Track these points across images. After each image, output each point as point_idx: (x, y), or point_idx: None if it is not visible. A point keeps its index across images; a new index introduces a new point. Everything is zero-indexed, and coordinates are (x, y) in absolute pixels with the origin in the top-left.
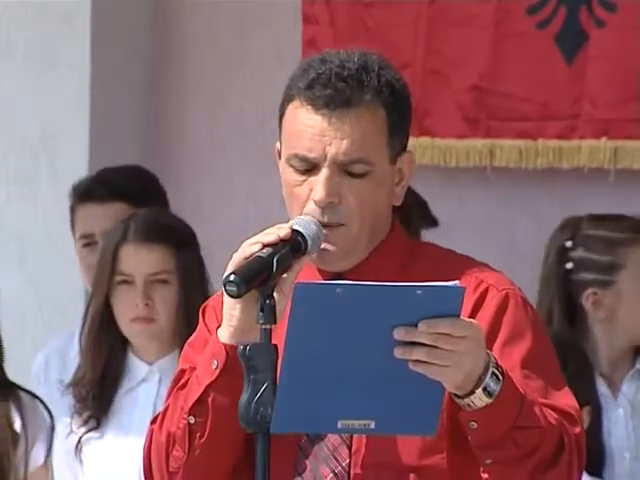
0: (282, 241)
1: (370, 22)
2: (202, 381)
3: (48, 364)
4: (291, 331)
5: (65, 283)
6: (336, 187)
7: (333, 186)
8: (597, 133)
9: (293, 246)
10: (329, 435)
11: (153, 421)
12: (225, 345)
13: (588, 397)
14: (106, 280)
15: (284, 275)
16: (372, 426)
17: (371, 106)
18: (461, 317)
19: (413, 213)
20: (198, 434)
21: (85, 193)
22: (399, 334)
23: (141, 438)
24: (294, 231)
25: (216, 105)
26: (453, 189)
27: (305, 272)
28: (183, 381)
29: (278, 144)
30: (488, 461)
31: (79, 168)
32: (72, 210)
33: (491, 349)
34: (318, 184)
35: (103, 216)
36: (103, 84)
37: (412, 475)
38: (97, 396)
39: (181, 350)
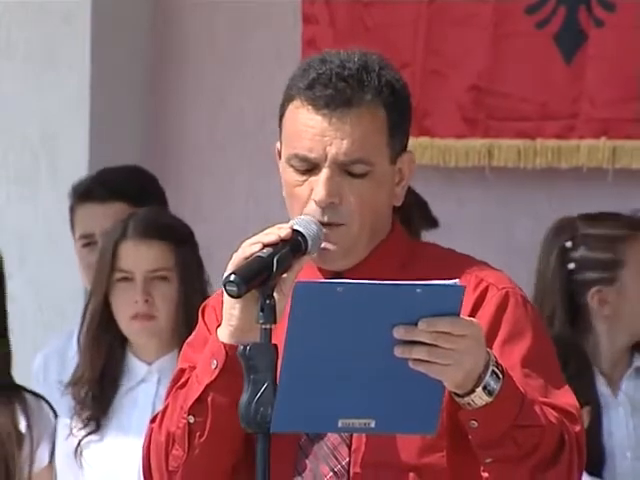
0: (282, 241)
1: (370, 22)
2: (202, 380)
3: (47, 364)
4: (291, 330)
5: (65, 283)
6: (337, 187)
7: (334, 186)
8: (596, 133)
9: (293, 246)
10: (329, 434)
11: (152, 420)
12: (225, 345)
13: (588, 397)
14: (105, 278)
15: (284, 275)
16: (372, 425)
17: (371, 106)
18: (461, 316)
19: (414, 213)
20: (198, 433)
21: (85, 193)
22: (399, 333)
23: (141, 439)
24: (294, 231)
25: (216, 105)
26: (452, 189)
27: (305, 271)
28: (183, 380)
29: (278, 144)
30: (488, 460)
31: (79, 168)
32: (72, 210)
33: (491, 348)
34: (319, 184)
35: (103, 216)
36: (103, 84)
37: (412, 474)
38: (96, 396)
39: (180, 350)
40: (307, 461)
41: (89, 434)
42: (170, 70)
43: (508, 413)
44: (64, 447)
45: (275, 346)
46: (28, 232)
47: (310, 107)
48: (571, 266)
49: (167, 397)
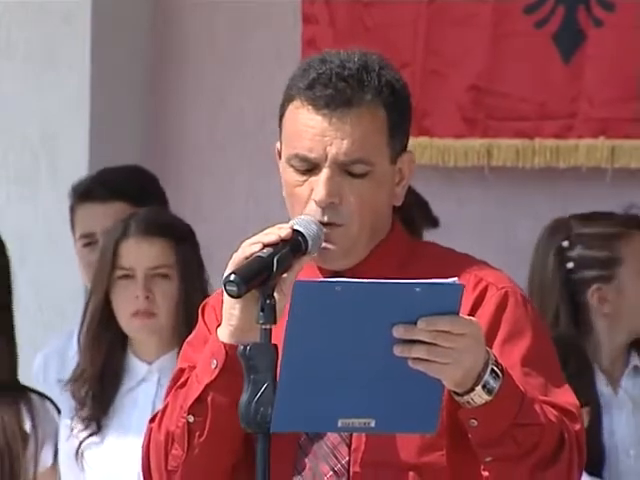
0: (283, 241)
1: (369, 22)
2: (201, 380)
3: (47, 364)
4: (290, 329)
5: (65, 283)
6: (337, 187)
7: (334, 186)
8: (594, 132)
9: (293, 246)
10: (328, 433)
11: (152, 420)
12: (225, 344)
13: (588, 396)
14: (106, 276)
15: (284, 275)
16: (372, 424)
17: (371, 106)
18: (460, 314)
19: (415, 213)
20: (197, 433)
21: (85, 193)
22: (398, 332)
23: (141, 439)
24: (295, 231)
25: (216, 105)
26: (452, 189)
27: (306, 271)
28: (182, 380)
29: (278, 144)
30: (488, 459)
31: (79, 168)
32: (72, 210)
33: (491, 347)
34: (319, 184)
35: (103, 216)
36: (103, 84)
37: (411, 473)
38: (97, 394)
39: (180, 349)
40: (307, 460)
41: (90, 435)
42: (170, 70)
43: (508, 412)
44: (65, 448)
45: (275, 346)
46: (28, 232)
47: (310, 107)
48: (569, 265)
49: (167, 396)
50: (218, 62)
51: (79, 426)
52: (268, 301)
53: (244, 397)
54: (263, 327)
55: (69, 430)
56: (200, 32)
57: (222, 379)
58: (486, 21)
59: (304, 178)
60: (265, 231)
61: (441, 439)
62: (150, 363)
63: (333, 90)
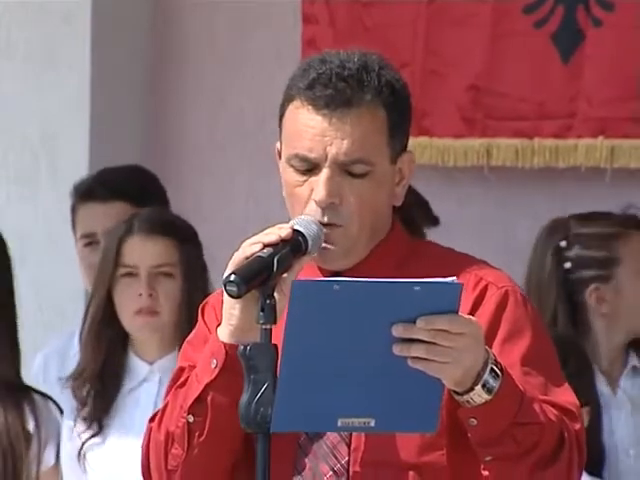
0: (283, 241)
1: (369, 22)
2: (201, 380)
3: (47, 364)
4: (289, 328)
5: (65, 283)
6: (337, 187)
7: (334, 186)
8: (594, 132)
9: (294, 246)
10: (328, 433)
11: (151, 419)
12: (225, 344)
13: (588, 396)
14: (109, 275)
15: (284, 275)
16: (372, 424)
17: (371, 106)
18: (459, 313)
19: (416, 213)
20: (197, 433)
21: (86, 193)
22: (397, 331)
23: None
24: (295, 231)
25: (216, 105)
26: (452, 189)
27: (306, 271)
28: (182, 379)
29: (278, 144)
30: (488, 458)
31: (79, 168)
32: (73, 210)
33: (491, 346)
34: (319, 184)
35: (104, 215)
36: (103, 84)
37: (412, 472)
38: (98, 392)
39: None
40: (306, 460)
41: (92, 436)
42: (170, 70)
43: (507, 411)
44: (67, 449)
45: (275, 346)
46: (28, 232)
47: (310, 107)
48: (567, 265)
49: (167, 396)
50: (218, 62)
51: (81, 427)
52: (268, 301)
53: (244, 397)
54: (263, 327)
55: (71, 431)
56: (200, 32)
57: (222, 379)
58: (485, 21)
59: (304, 178)
60: (265, 231)
61: (441, 438)
62: (151, 363)
63: (333, 90)
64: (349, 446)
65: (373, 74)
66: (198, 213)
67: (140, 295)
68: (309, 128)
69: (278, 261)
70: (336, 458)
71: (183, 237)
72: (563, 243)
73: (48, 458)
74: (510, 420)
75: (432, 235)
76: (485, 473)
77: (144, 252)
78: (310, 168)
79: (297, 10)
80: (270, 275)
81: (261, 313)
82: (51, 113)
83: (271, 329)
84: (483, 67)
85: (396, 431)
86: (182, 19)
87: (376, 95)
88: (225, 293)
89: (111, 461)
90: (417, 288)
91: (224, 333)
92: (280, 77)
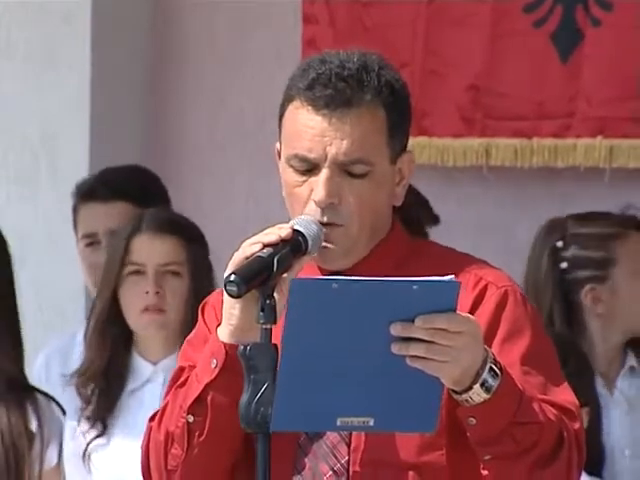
0: (283, 241)
1: (369, 22)
2: (201, 380)
3: (49, 364)
4: (288, 327)
5: (65, 283)
6: (336, 187)
7: (333, 186)
8: (592, 132)
9: (294, 246)
10: (328, 433)
11: (151, 419)
12: (224, 344)
13: (587, 396)
14: (115, 274)
15: (284, 275)
16: (371, 423)
17: (371, 106)
18: (458, 312)
19: (418, 212)
20: (197, 433)
21: (88, 193)
22: (396, 330)
23: None
24: (295, 231)
25: (216, 105)
26: (451, 188)
27: (306, 270)
28: (182, 379)
29: (278, 144)
30: (487, 457)
31: (79, 168)
32: (75, 210)
33: (490, 346)
34: (318, 185)
35: (106, 216)
36: (103, 84)
37: (411, 472)
38: (102, 392)
39: None
40: (306, 460)
41: (96, 437)
42: (170, 70)
43: (506, 410)
44: (71, 450)
45: (275, 346)
46: (28, 232)
47: (310, 107)
48: (563, 265)
49: (166, 396)
50: (218, 62)
51: (85, 426)
52: (268, 301)
53: (244, 397)
54: (263, 327)
55: (74, 432)
56: (200, 32)
57: (222, 379)
58: (485, 21)
59: (304, 178)
60: (265, 231)
61: (440, 438)
62: (155, 363)
63: (333, 90)
64: (349, 446)
65: (373, 74)
66: (198, 213)
67: (147, 293)
68: (309, 128)
69: (278, 261)
70: (336, 458)
71: (190, 236)
72: (560, 243)
73: (50, 458)
74: (509, 419)
75: (432, 235)
76: (484, 472)
77: (152, 250)
78: (310, 168)
79: (297, 10)
80: (270, 275)
81: (261, 313)
82: (51, 113)
83: (271, 329)
84: (482, 67)
85: (395, 431)
86: (182, 19)
87: (376, 95)
88: (225, 293)
89: (115, 462)
90: (415, 287)
91: (224, 333)
92: (280, 77)
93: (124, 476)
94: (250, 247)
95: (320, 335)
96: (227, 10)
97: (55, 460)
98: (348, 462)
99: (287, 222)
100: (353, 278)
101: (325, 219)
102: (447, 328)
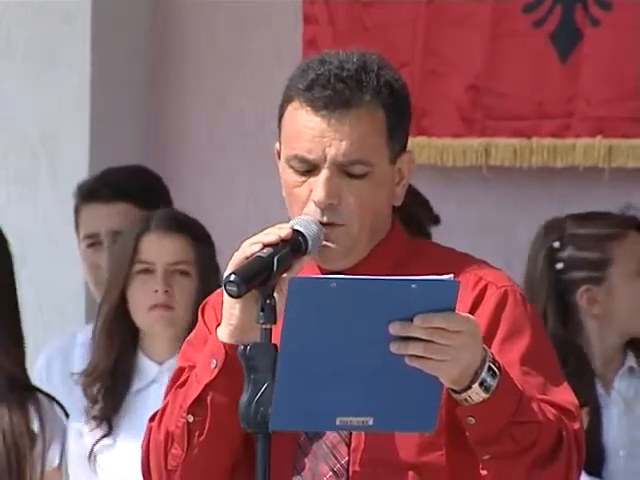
0: (283, 241)
1: (368, 22)
2: (201, 380)
3: (50, 365)
4: (287, 326)
5: (65, 283)
6: (336, 188)
7: (333, 187)
8: (592, 131)
9: (294, 246)
10: (328, 433)
11: (151, 419)
12: (224, 344)
13: (587, 396)
14: (124, 273)
15: (284, 275)
16: (370, 423)
17: (370, 107)
18: (457, 311)
19: (418, 212)
20: (197, 433)
21: (89, 193)
22: (394, 329)
23: None
24: (295, 231)
25: (216, 105)
26: (451, 188)
27: (306, 270)
28: (182, 379)
29: (277, 144)
30: (486, 457)
31: (79, 168)
32: (76, 210)
33: (490, 346)
34: (318, 185)
35: (107, 216)
36: (103, 84)
37: (411, 472)
38: (109, 391)
39: None
40: (306, 460)
41: (102, 437)
42: (170, 70)
43: (505, 409)
44: (77, 450)
45: (275, 346)
46: (28, 232)
47: (309, 108)
48: (559, 266)
49: (166, 396)
50: (218, 62)
51: (91, 426)
52: (268, 301)
53: (244, 397)
54: (263, 327)
55: (79, 433)
56: (200, 32)
57: (222, 379)
58: (485, 21)
59: (303, 179)
60: (265, 231)
61: (440, 438)
62: (161, 364)
63: (332, 91)
64: (349, 446)
65: (372, 74)
66: (198, 213)
67: (156, 291)
68: (308, 129)
69: (278, 261)
70: (336, 458)
71: (199, 236)
72: (556, 244)
73: (52, 458)
74: (508, 419)
75: (432, 234)
76: (483, 472)
77: (161, 249)
78: (309, 169)
79: (297, 10)
80: (270, 275)
81: (261, 313)
82: (51, 113)
83: (271, 329)
84: (482, 67)
85: (395, 430)
86: (182, 19)
87: (375, 96)
88: (225, 293)
89: (121, 463)
90: (414, 286)
91: (224, 333)
92: (280, 77)
93: (129, 477)
94: (250, 247)
95: (319, 334)
96: (227, 10)
97: (57, 461)
98: (348, 462)
99: (287, 222)
100: (352, 277)
101: (325, 219)
102: (446, 327)
